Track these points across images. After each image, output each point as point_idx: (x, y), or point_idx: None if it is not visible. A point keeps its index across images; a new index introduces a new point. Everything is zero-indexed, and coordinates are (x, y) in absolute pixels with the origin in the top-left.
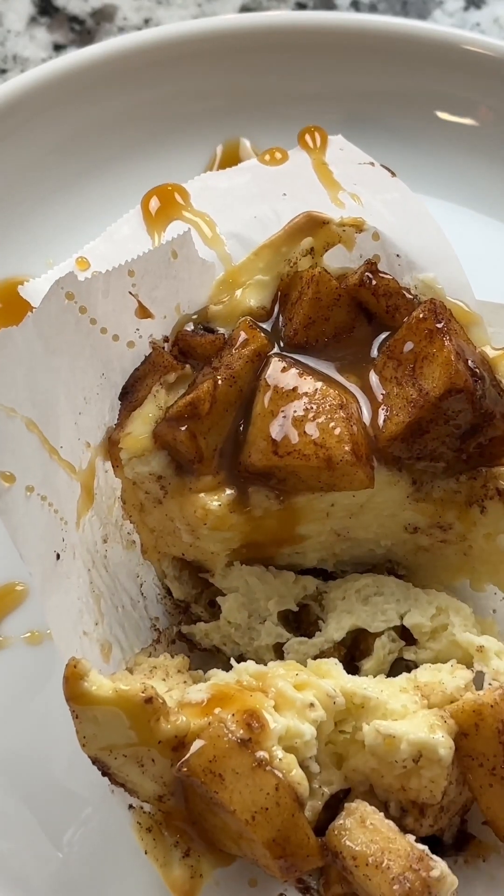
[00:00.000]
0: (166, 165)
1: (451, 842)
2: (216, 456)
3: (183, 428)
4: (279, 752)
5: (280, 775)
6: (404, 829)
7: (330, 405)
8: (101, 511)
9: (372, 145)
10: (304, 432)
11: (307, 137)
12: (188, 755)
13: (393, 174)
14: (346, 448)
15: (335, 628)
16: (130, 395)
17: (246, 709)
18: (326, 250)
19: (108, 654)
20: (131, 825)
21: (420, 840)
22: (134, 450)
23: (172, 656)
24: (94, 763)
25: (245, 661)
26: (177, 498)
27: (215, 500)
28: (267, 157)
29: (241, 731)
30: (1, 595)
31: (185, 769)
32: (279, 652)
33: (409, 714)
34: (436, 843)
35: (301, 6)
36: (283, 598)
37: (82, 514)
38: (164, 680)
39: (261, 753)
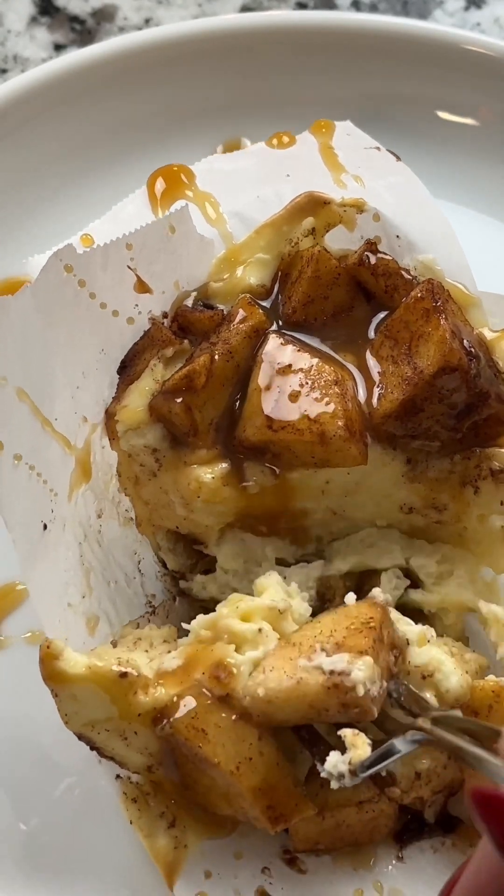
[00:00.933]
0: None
1: (434, 821)
2: (211, 430)
3: (178, 400)
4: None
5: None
6: (382, 792)
7: (325, 381)
8: (97, 486)
9: None
10: (299, 407)
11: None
12: (174, 717)
13: (398, 158)
14: (340, 423)
15: (340, 561)
16: (128, 369)
17: (210, 663)
18: (328, 231)
19: (93, 627)
20: (118, 795)
21: (402, 812)
22: (130, 422)
23: (159, 627)
24: (79, 739)
25: None
26: (171, 471)
27: (209, 473)
28: (274, 142)
29: (216, 688)
30: (1, 595)
31: (170, 728)
32: None
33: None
34: (418, 820)
35: (301, 6)
36: (280, 548)
37: (75, 487)
38: (146, 651)
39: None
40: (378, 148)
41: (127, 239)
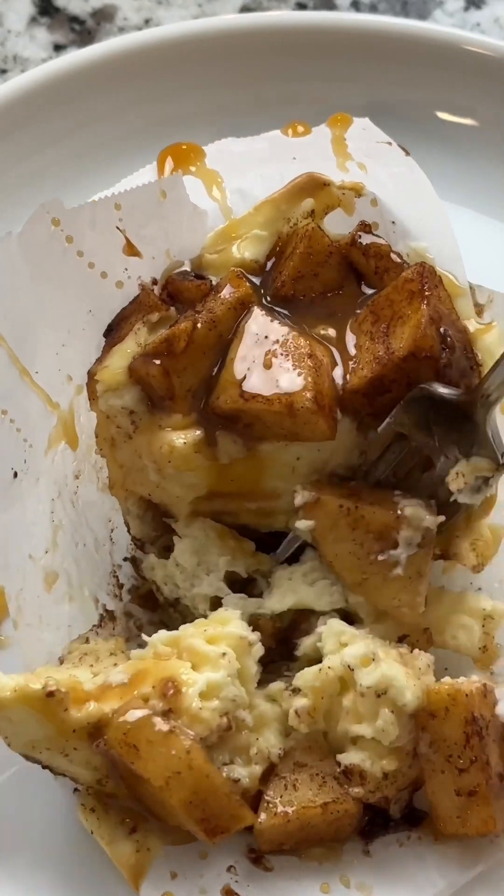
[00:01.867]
0: None
1: (400, 816)
2: (189, 396)
3: (157, 363)
4: (198, 703)
5: (190, 737)
6: (346, 792)
7: (299, 354)
8: (80, 449)
9: None
10: (271, 378)
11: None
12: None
13: (407, 153)
14: (308, 396)
15: (277, 600)
16: (114, 332)
17: (161, 677)
18: (327, 213)
19: (51, 583)
20: (76, 807)
21: (366, 808)
22: (109, 383)
23: (106, 639)
24: (26, 759)
25: (179, 605)
26: (146, 434)
27: (181, 438)
28: (289, 131)
29: (161, 704)
30: (1, 595)
31: (104, 745)
32: (215, 606)
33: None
34: (383, 816)
35: (301, 6)
36: (236, 561)
37: (54, 444)
38: (91, 666)
39: (172, 722)
40: (389, 143)
41: (116, 198)
